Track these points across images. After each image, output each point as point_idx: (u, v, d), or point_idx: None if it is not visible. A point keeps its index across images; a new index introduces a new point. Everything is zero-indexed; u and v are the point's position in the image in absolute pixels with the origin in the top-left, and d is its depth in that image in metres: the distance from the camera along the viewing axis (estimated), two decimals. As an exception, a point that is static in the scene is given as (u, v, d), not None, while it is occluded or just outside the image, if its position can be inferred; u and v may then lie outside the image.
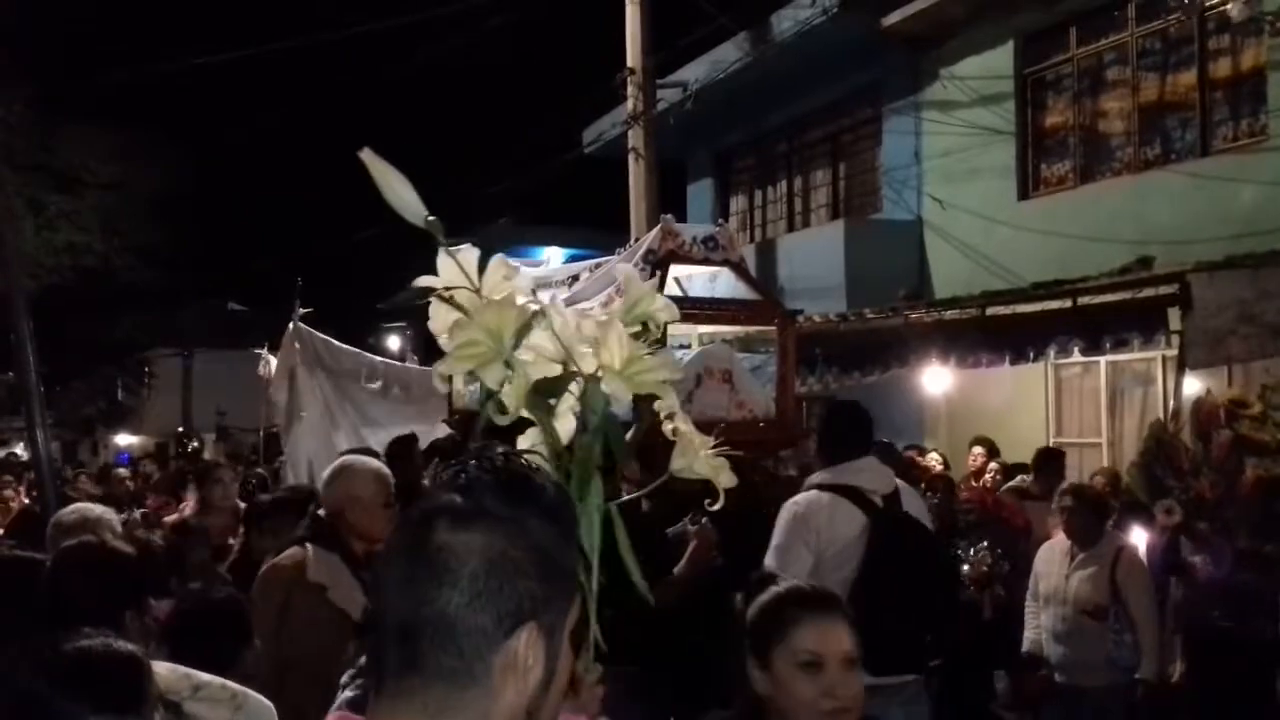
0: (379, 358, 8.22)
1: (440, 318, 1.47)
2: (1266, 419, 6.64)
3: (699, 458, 1.59)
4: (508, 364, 1.42)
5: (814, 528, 4.24)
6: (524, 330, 1.45)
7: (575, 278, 6.53)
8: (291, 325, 8.82)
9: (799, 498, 4.46)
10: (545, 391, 1.46)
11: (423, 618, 1.19)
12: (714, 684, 4.34)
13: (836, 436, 4.57)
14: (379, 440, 7.41)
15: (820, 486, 4.41)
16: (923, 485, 6.66)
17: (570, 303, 4.30)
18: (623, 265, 1.73)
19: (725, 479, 1.61)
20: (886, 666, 4.01)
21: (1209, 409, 6.85)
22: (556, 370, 1.47)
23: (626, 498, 1.57)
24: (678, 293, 6.47)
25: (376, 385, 8.79)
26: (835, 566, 4.17)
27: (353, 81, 25.97)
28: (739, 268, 6.46)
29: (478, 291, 1.44)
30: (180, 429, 25.90)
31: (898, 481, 4.54)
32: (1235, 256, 8.12)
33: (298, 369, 8.64)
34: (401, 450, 6.59)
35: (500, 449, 1.30)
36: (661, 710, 4.22)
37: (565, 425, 1.49)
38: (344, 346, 9.05)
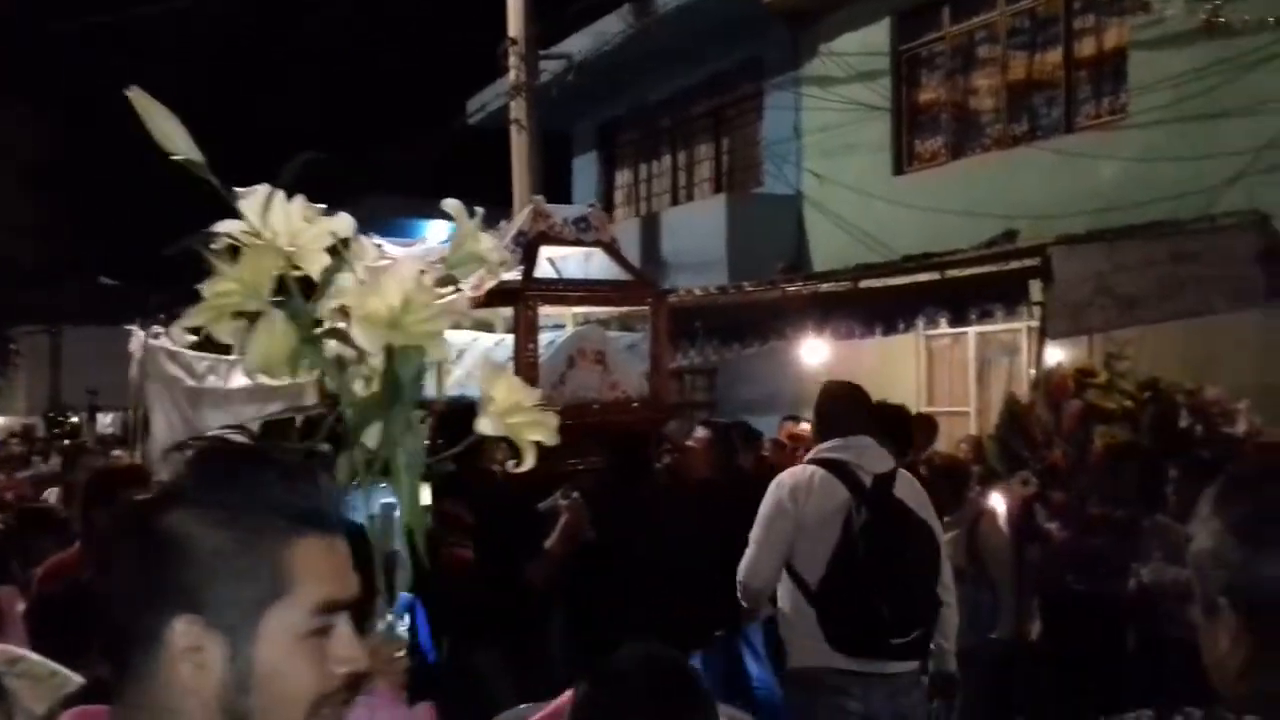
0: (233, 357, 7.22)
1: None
2: (1112, 386, 6.92)
3: (496, 419, 1.51)
4: (259, 315, 1.33)
5: (795, 498, 4.26)
6: (327, 279, 1.38)
7: (447, 256, 6.45)
8: (140, 348, 7.61)
9: (787, 471, 4.51)
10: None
11: (110, 606, 1.18)
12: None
13: (830, 414, 4.51)
14: (250, 416, 7.08)
15: (810, 461, 4.43)
16: (800, 454, 6.74)
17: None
18: (452, 201, 1.69)
19: (539, 435, 1.53)
20: (864, 650, 4.07)
21: (1058, 380, 7.12)
22: (375, 309, 1.37)
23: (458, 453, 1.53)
24: (552, 274, 6.47)
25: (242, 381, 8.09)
26: (814, 536, 4.18)
27: (230, 50, 25.18)
28: (611, 248, 6.47)
29: (259, 236, 1.35)
30: (50, 413, 24.94)
31: (900, 469, 4.48)
32: (1096, 231, 8.42)
33: (149, 386, 7.92)
34: (275, 433, 6.40)
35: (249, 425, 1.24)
36: (537, 681, 4.22)
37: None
38: (199, 355, 7.56)
